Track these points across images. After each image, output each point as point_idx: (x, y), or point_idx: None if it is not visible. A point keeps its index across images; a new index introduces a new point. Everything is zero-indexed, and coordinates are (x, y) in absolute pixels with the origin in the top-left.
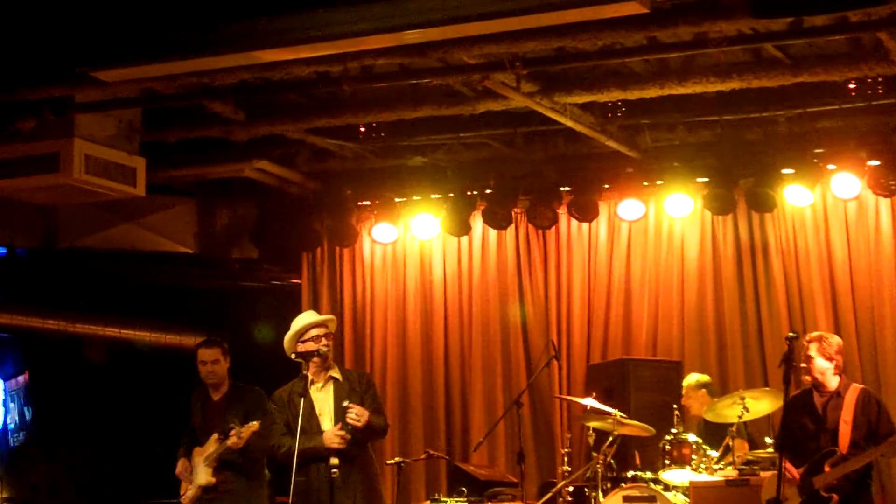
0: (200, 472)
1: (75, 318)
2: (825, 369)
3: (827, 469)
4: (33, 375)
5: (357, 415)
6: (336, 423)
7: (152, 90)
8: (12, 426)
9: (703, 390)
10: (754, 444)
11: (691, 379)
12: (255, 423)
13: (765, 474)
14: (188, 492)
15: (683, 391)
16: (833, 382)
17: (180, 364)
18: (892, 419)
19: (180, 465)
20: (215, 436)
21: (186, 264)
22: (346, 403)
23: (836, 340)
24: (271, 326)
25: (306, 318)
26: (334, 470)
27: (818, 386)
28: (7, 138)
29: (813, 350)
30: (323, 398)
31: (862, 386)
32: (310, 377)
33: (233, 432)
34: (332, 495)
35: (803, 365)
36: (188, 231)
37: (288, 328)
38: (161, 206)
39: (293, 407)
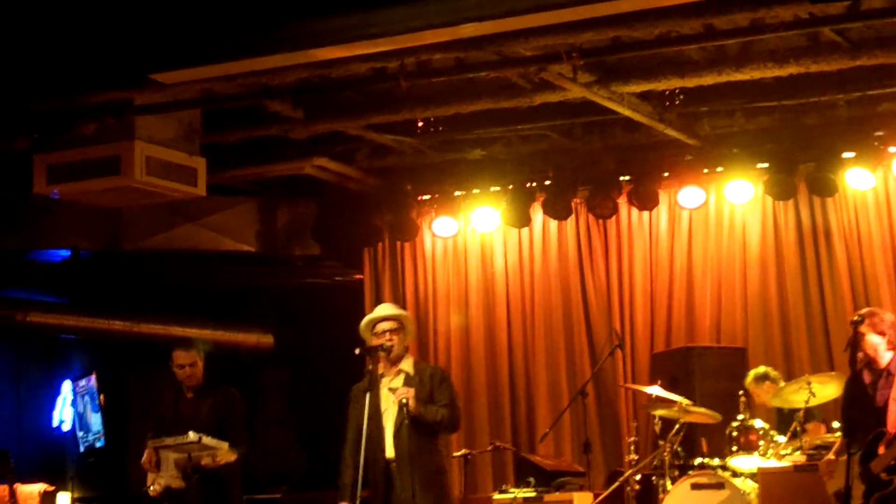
0: (169, 472)
1: (140, 318)
2: (877, 344)
3: (881, 451)
4: (100, 377)
5: (403, 394)
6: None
7: (211, 91)
8: (81, 428)
9: (766, 382)
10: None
11: (749, 378)
12: (232, 454)
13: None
14: (155, 485)
15: (748, 389)
16: (885, 359)
17: (244, 362)
18: None
19: (146, 456)
20: (190, 435)
21: (248, 263)
22: (395, 386)
23: (889, 316)
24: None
25: (378, 310)
26: (393, 463)
27: (870, 363)
28: (69, 143)
29: (864, 326)
30: (388, 393)
31: None
32: (381, 371)
33: (207, 454)
34: (388, 487)
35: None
36: (249, 230)
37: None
38: (222, 206)
39: (360, 404)
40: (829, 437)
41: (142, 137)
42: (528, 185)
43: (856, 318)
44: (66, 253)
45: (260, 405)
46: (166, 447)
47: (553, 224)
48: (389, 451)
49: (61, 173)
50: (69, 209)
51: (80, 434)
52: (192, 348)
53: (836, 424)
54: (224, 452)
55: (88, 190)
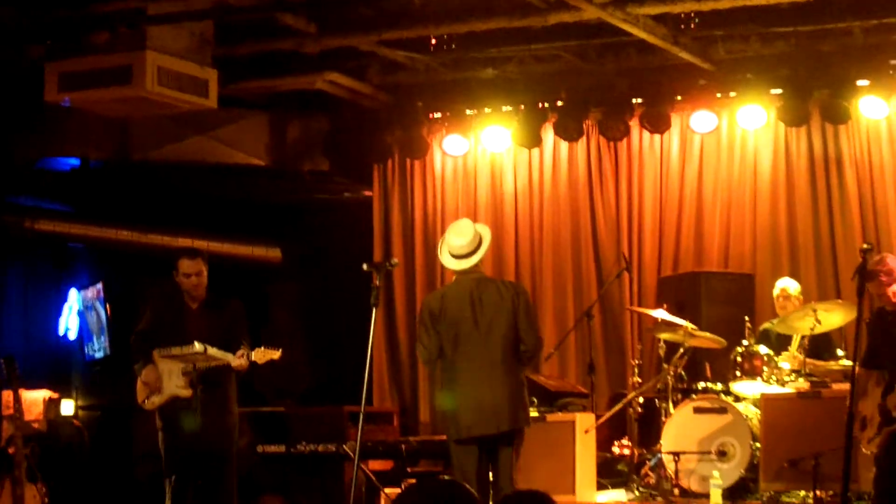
0: (173, 382)
1: (148, 229)
2: None
3: None
4: (107, 286)
5: None
6: None
7: (225, 2)
8: (87, 337)
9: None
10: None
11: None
12: (275, 351)
13: (837, 386)
14: (153, 398)
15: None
16: None
17: (252, 275)
18: None
19: (150, 372)
20: (196, 346)
21: (258, 177)
22: None
23: (892, 259)
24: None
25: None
26: None
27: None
28: (81, 51)
29: (884, 276)
30: None
31: None
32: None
33: (241, 353)
34: None
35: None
36: (260, 143)
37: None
38: (233, 119)
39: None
40: (833, 366)
41: (154, 47)
42: (540, 105)
43: (865, 245)
44: (75, 162)
45: (267, 318)
46: (173, 357)
47: (564, 146)
48: None
49: (73, 82)
50: (79, 118)
51: (86, 343)
52: (197, 256)
53: (840, 352)
54: (264, 353)
55: (99, 99)
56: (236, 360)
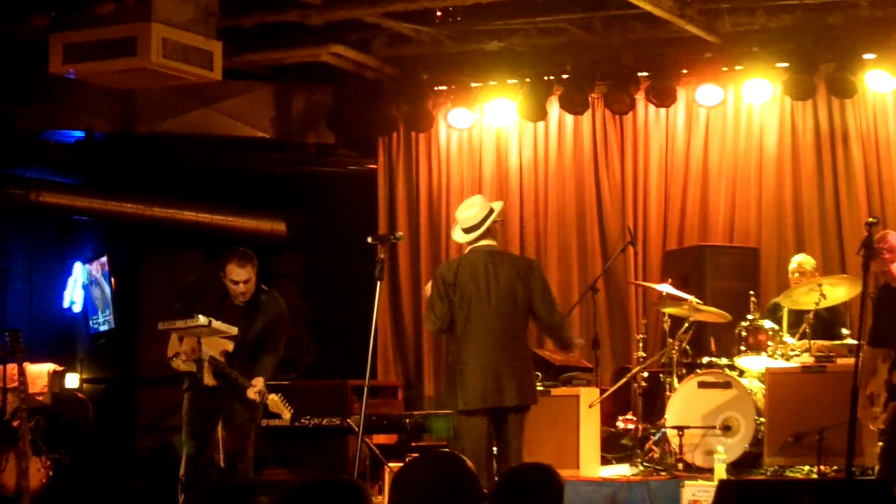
0: (203, 370)
1: (153, 201)
2: None
3: None
4: (112, 259)
5: None
6: None
7: None
8: (91, 310)
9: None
10: (831, 334)
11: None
12: (287, 410)
13: (842, 361)
14: (180, 362)
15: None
16: None
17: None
18: None
19: (190, 344)
20: (200, 319)
21: (263, 149)
22: None
23: (892, 235)
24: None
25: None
26: None
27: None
28: (86, 22)
29: (887, 253)
30: None
31: None
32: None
33: (257, 392)
34: None
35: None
36: (265, 116)
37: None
38: (238, 91)
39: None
40: (837, 343)
41: (159, 19)
42: (546, 78)
43: (871, 219)
44: (80, 134)
45: None
46: (176, 329)
47: (569, 119)
48: None
49: (77, 53)
50: (84, 90)
51: (90, 316)
52: (248, 263)
53: (845, 331)
54: (273, 401)
55: (104, 71)
56: (251, 392)
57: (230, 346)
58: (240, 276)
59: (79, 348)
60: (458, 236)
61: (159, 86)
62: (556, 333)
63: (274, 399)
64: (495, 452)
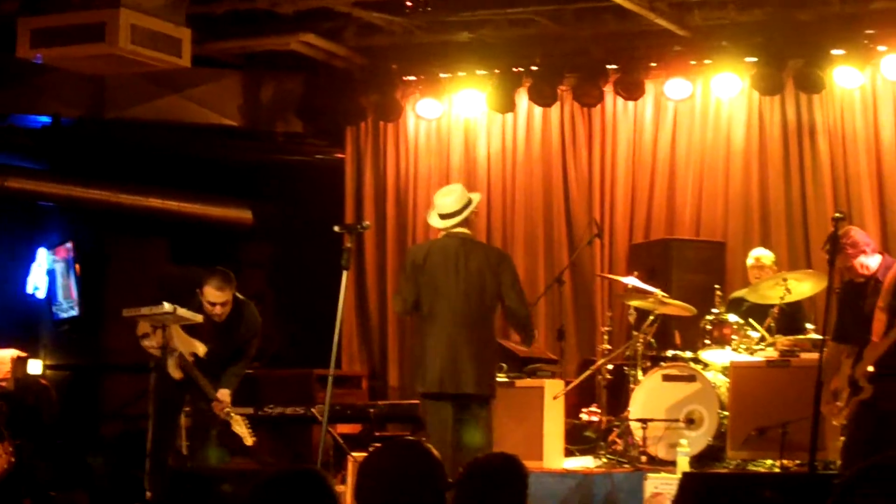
0: (171, 361)
1: (119, 188)
2: (865, 261)
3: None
4: (77, 245)
5: None
6: None
7: None
8: (55, 296)
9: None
10: (797, 329)
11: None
12: (250, 437)
13: (806, 356)
14: (150, 344)
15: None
16: (872, 266)
17: (223, 236)
18: None
19: (160, 341)
20: (165, 306)
21: (231, 137)
22: None
23: (856, 231)
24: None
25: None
26: None
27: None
28: (55, 7)
29: (850, 249)
30: None
31: None
32: None
33: (223, 409)
34: None
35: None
36: (233, 104)
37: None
38: (207, 79)
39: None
40: (801, 339)
41: (128, 5)
42: (515, 69)
43: (837, 214)
44: (47, 119)
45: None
46: (141, 316)
47: (538, 111)
48: None
49: (45, 38)
50: (52, 75)
51: (53, 302)
52: (227, 286)
53: (809, 326)
54: (236, 421)
55: (72, 56)
56: (217, 408)
57: (201, 351)
58: (217, 299)
59: (42, 334)
60: (434, 221)
61: (128, 72)
62: (522, 326)
63: (238, 421)
64: (464, 443)
